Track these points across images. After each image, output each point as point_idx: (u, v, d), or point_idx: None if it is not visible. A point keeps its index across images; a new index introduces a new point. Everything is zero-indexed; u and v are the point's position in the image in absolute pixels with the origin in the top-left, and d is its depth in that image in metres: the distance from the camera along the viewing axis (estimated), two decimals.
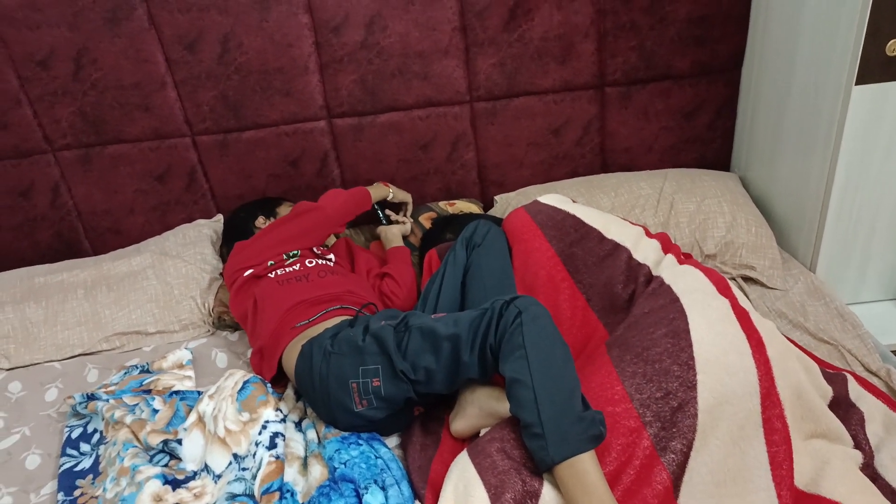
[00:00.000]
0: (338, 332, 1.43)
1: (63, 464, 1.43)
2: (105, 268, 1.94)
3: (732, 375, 1.16)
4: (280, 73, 1.97)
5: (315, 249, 1.79)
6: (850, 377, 1.33)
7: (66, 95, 1.95)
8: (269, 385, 1.45)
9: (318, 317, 1.53)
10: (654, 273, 1.42)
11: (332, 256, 1.81)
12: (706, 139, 2.17)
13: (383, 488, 1.22)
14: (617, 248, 1.48)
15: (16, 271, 2.04)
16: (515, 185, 2.19)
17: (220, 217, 2.14)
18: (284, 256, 1.72)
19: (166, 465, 1.35)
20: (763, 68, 1.93)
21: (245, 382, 1.41)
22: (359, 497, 1.21)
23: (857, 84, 1.54)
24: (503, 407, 1.25)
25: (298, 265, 1.69)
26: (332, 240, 1.97)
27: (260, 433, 1.32)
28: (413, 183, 2.17)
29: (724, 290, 1.32)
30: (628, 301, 1.44)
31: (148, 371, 1.66)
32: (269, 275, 1.67)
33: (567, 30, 1.97)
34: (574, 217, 1.55)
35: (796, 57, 1.74)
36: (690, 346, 1.19)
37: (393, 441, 1.41)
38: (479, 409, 1.30)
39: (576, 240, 1.51)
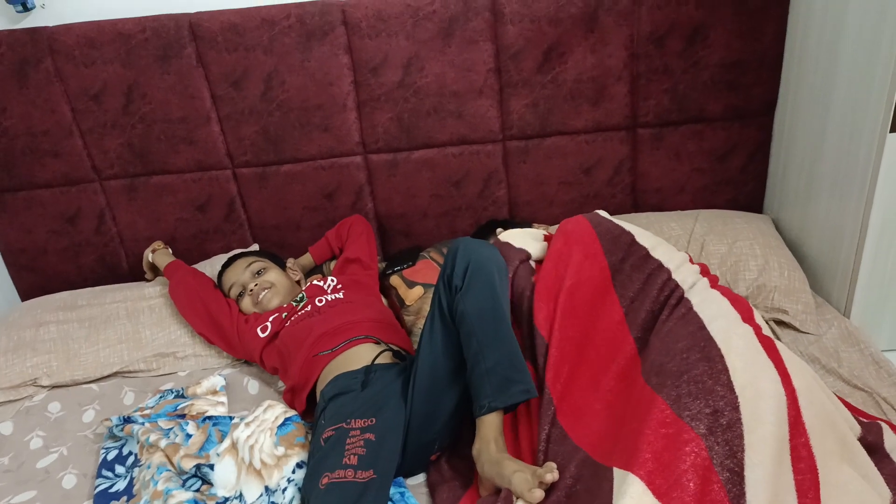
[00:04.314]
0: (339, 393, 1.45)
1: (98, 485, 1.46)
2: (147, 291, 2.02)
3: (766, 401, 1.14)
4: (319, 109, 2.04)
5: (320, 283, 1.85)
6: (885, 426, 1.30)
7: (116, 128, 2.04)
8: (307, 424, 1.49)
9: (342, 346, 1.56)
10: (686, 296, 1.42)
11: (334, 280, 1.86)
12: (739, 181, 2.17)
13: None
14: (660, 267, 1.48)
15: (60, 294, 2.12)
16: (546, 223, 2.21)
17: (256, 247, 2.20)
18: (294, 303, 1.78)
19: (198, 490, 1.38)
20: (796, 113, 1.94)
21: (287, 419, 1.44)
22: None
23: (892, 131, 1.54)
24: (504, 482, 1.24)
25: (310, 306, 1.75)
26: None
27: (294, 472, 1.34)
28: (445, 218, 2.21)
29: (748, 319, 1.32)
30: (656, 319, 1.43)
31: (182, 396, 1.69)
32: (286, 324, 1.73)
33: (600, 72, 2.01)
34: (628, 234, 1.56)
35: (831, 103, 1.75)
36: (727, 370, 1.18)
37: (419, 478, 1.43)
38: (489, 480, 1.29)
39: (626, 255, 1.52)
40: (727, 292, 1.43)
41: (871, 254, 1.69)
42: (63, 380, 1.83)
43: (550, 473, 1.17)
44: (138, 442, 1.51)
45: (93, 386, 1.82)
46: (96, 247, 2.20)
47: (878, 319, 1.77)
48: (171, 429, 1.51)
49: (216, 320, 1.82)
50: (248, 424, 1.42)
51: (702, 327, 1.28)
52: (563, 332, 1.44)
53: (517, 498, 1.20)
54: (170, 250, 2.11)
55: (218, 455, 1.41)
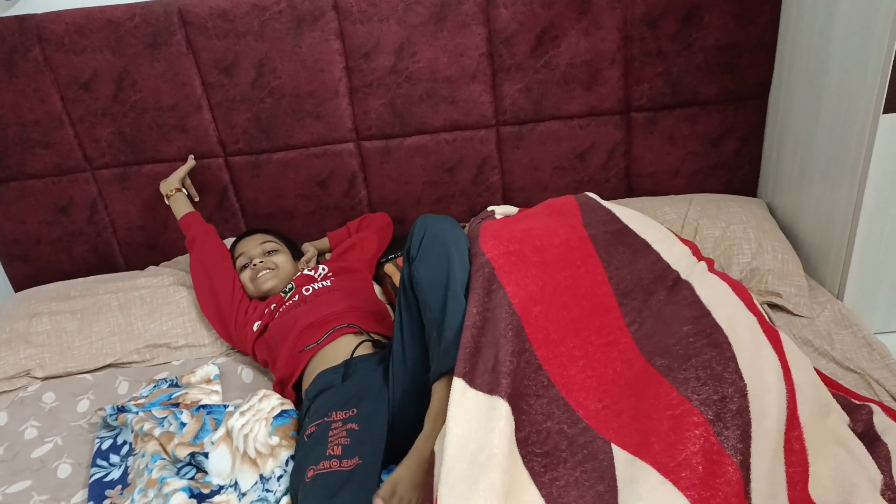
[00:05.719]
0: (321, 390, 1.45)
1: (93, 474, 1.47)
2: (140, 282, 2.01)
3: (770, 394, 1.15)
4: (311, 96, 2.02)
5: (311, 272, 1.84)
6: (876, 408, 1.31)
7: (107, 116, 2.02)
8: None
9: (325, 338, 1.56)
10: (685, 278, 1.41)
11: (325, 269, 1.85)
12: (733, 165, 2.16)
13: None
14: (648, 247, 1.48)
15: (53, 284, 2.12)
16: None
17: None
18: (282, 294, 1.77)
19: (192, 479, 1.38)
20: (790, 96, 1.93)
21: (284, 412, 1.44)
22: None
23: (884, 112, 1.54)
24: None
25: (297, 296, 1.74)
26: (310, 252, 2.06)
27: (287, 463, 1.35)
28: (438, 205, 2.20)
29: (751, 307, 1.32)
30: (648, 295, 1.41)
31: (176, 385, 1.70)
32: (276, 315, 1.73)
33: (593, 56, 2.00)
34: (612, 213, 1.56)
35: (824, 86, 1.74)
36: (735, 358, 1.18)
37: None
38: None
39: (610, 231, 1.51)
40: (725, 277, 1.42)
41: (864, 236, 1.69)
42: (56, 372, 1.83)
43: None
44: (133, 431, 1.52)
45: (87, 376, 1.82)
46: (89, 236, 2.19)
47: (871, 302, 1.78)
48: (166, 417, 1.51)
49: (219, 307, 1.83)
50: (242, 413, 1.42)
51: (706, 313, 1.28)
52: (527, 274, 1.37)
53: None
54: (185, 193, 2.03)
55: (213, 443, 1.41)
